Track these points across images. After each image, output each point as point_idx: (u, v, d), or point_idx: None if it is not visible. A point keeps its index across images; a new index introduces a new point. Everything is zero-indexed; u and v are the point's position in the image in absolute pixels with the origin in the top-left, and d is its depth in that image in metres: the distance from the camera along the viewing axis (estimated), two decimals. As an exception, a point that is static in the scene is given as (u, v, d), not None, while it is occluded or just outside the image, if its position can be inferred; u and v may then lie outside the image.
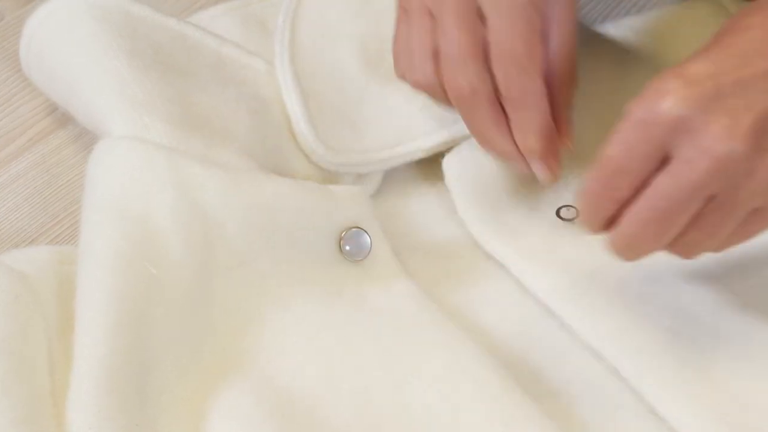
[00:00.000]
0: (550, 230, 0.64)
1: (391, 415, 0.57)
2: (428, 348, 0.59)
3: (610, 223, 0.56)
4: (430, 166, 0.67)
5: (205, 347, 0.58)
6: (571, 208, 0.64)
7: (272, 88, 0.68)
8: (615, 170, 0.54)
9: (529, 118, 0.60)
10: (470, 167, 0.65)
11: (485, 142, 0.62)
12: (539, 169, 0.61)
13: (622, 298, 0.60)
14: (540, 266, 0.61)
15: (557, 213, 0.64)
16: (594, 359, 0.58)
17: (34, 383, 0.56)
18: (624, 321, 0.59)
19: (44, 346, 0.57)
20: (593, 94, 0.67)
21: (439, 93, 0.62)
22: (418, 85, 0.63)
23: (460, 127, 0.65)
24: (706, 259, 0.61)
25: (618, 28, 0.73)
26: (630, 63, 0.71)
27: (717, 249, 0.56)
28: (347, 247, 0.62)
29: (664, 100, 0.51)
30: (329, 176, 0.66)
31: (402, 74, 0.65)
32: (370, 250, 0.62)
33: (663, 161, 0.53)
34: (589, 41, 0.71)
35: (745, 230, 0.55)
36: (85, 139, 0.71)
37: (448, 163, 0.66)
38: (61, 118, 0.73)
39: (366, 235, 0.62)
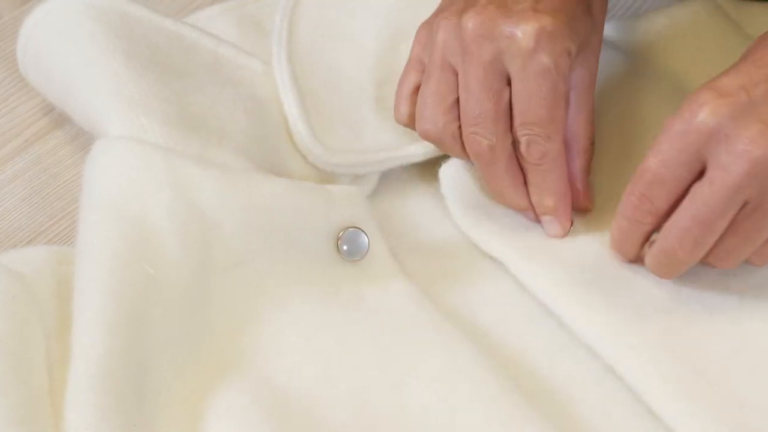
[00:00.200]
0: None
1: (389, 416, 0.57)
2: (426, 348, 0.59)
3: (643, 244, 0.59)
4: (427, 166, 0.67)
5: (202, 347, 0.58)
6: None
7: (269, 88, 0.68)
8: (652, 181, 0.56)
9: (548, 180, 0.62)
10: (465, 177, 0.65)
11: (500, 196, 0.64)
12: (551, 226, 0.63)
13: (619, 297, 0.60)
14: (538, 265, 0.61)
15: None
16: (591, 358, 0.58)
17: (32, 383, 0.56)
18: (621, 320, 0.59)
19: (42, 346, 0.57)
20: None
21: (447, 145, 0.63)
22: (426, 135, 0.64)
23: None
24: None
25: (614, 30, 0.73)
26: (628, 65, 0.71)
27: (756, 259, 0.58)
28: (345, 247, 0.62)
29: (700, 111, 0.54)
30: (326, 176, 0.66)
31: (403, 119, 0.65)
32: (367, 250, 0.62)
33: (699, 174, 0.56)
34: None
35: None
36: (82, 139, 0.71)
37: (444, 173, 0.66)
38: (58, 118, 0.73)
39: (363, 235, 0.62)
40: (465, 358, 0.58)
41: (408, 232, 0.66)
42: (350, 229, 0.62)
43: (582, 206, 0.64)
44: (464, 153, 0.63)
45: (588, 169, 0.64)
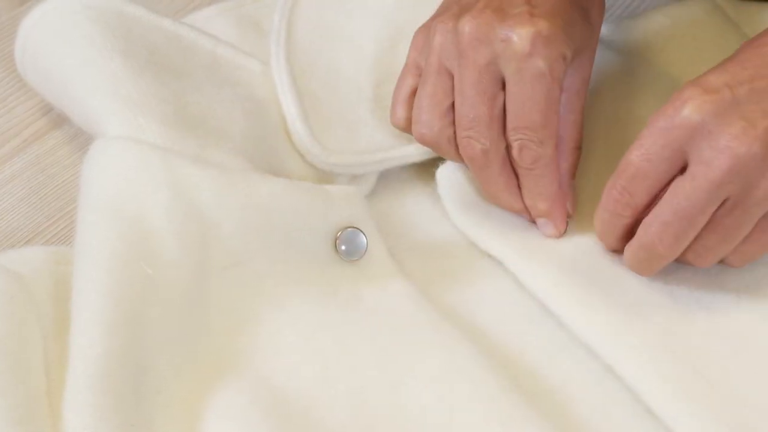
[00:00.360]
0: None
1: (387, 416, 0.57)
2: (424, 348, 0.59)
3: (625, 237, 0.59)
4: (425, 166, 0.67)
5: (200, 347, 0.58)
6: None
7: (267, 88, 0.68)
8: (634, 175, 0.57)
9: (540, 184, 0.62)
10: (462, 178, 0.65)
11: (494, 199, 0.64)
12: (545, 227, 0.63)
13: (618, 296, 0.60)
14: (537, 264, 0.61)
15: None
16: (591, 358, 0.58)
17: (30, 384, 0.56)
18: (620, 319, 0.59)
19: (40, 347, 0.57)
20: (588, 96, 0.67)
21: (443, 149, 0.64)
22: (422, 139, 0.64)
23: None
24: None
25: (612, 30, 0.73)
26: (625, 64, 0.71)
27: (736, 259, 0.59)
28: (343, 247, 0.62)
29: (684, 107, 0.55)
30: (324, 176, 0.66)
31: (400, 123, 0.66)
32: (365, 250, 0.62)
33: (680, 170, 0.56)
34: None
35: (761, 238, 0.58)
36: (81, 139, 0.71)
37: (441, 174, 0.66)
38: (56, 118, 0.73)
39: (362, 235, 0.62)
40: (464, 358, 0.58)
41: (406, 231, 0.66)
42: (348, 229, 0.62)
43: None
44: (460, 157, 0.63)
45: (573, 173, 0.64)
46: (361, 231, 0.62)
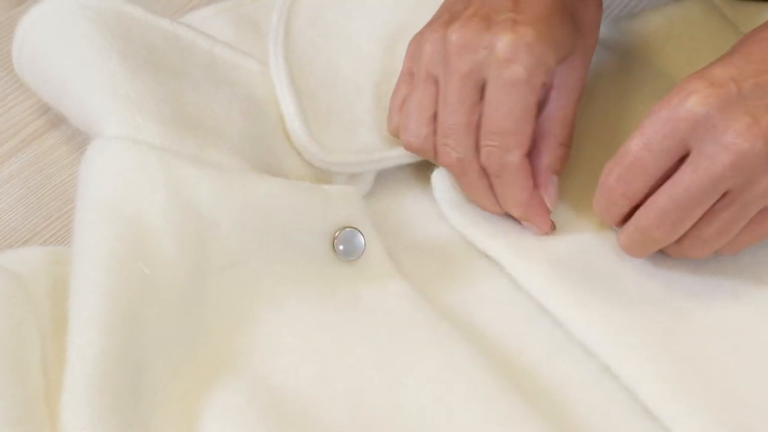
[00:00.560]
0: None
1: (385, 416, 0.57)
2: (422, 348, 0.59)
3: (623, 220, 0.59)
4: (423, 166, 0.67)
5: (198, 347, 0.58)
6: None
7: (265, 88, 0.67)
8: (632, 164, 0.57)
9: (509, 192, 0.62)
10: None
11: (476, 204, 0.64)
12: (530, 228, 0.63)
13: (615, 296, 0.60)
14: (533, 264, 0.61)
15: None
16: (590, 358, 0.58)
17: (28, 384, 0.56)
18: (617, 319, 0.59)
19: (38, 347, 0.57)
20: (586, 96, 0.67)
21: (430, 156, 0.64)
22: (410, 147, 0.64)
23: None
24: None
25: (609, 30, 0.73)
26: (623, 64, 0.71)
27: (729, 249, 0.59)
28: (341, 247, 0.62)
29: (688, 99, 0.55)
30: (322, 176, 0.66)
31: (395, 131, 0.66)
32: (363, 250, 0.62)
33: (678, 161, 0.56)
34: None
35: (755, 230, 0.58)
36: (79, 139, 0.71)
37: (436, 177, 0.66)
38: (54, 118, 0.73)
39: (360, 234, 0.62)
40: (462, 358, 0.58)
41: (404, 231, 0.66)
42: (346, 229, 0.62)
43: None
44: None
45: (556, 168, 0.63)
46: (359, 231, 0.62)
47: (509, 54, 0.59)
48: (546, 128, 0.63)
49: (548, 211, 0.63)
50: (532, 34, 0.59)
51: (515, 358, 0.59)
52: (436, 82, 0.63)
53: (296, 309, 0.60)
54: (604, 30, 0.72)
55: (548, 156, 0.63)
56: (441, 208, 0.65)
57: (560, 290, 0.60)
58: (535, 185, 0.62)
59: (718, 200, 0.56)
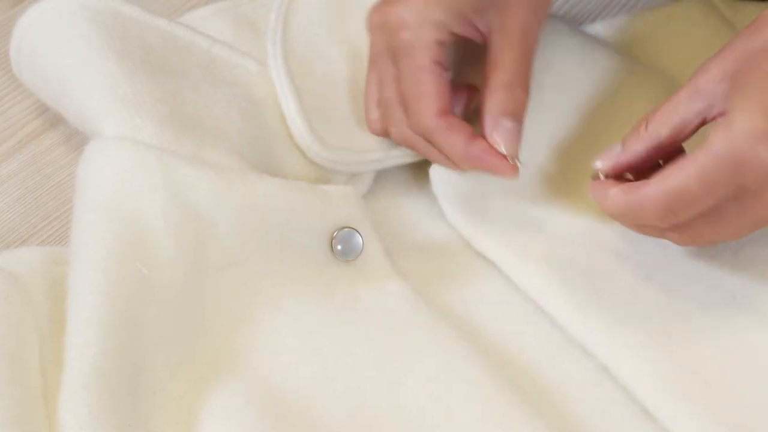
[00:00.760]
0: (539, 230, 0.64)
1: (385, 416, 0.57)
2: (421, 348, 0.59)
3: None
4: (421, 166, 0.67)
5: (197, 347, 0.58)
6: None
7: (264, 88, 0.67)
8: (686, 201, 0.55)
9: (447, 151, 0.62)
10: (456, 175, 0.65)
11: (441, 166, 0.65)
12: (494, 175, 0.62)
13: (614, 296, 0.60)
14: (531, 264, 0.61)
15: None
16: (589, 358, 0.58)
17: (27, 384, 0.56)
18: (616, 319, 0.59)
19: (36, 347, 0.57)
20: (585, 94, 0.67)
21: (389, 137, 0.65)
22: (375, 133, 0.66)
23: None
24: (699, 256, 0.61)
25: (608, 28, 0.73)
26: (620, 63, 0.71)
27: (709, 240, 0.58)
28: (339, 247, 0.62)
29: (760, 147, 0.53)
30: (321, 176, 0.66)
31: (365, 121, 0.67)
32: (362, 250, 0.62)
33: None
34: (580, 44, 0.71)
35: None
36: (77, 139, 0.71)
37: (434, 172, 0.66)
38: (52, 118, 0.73)
39: (358, 235, 0.62)
40: (461, 358, 0.58)
41: (403, 231, 0.66)
42: (345, 229, 0.62)
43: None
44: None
45: (504, 110, 0.61)
46: (358, 231, 0.62)
47: (397, 23, 0.61)
48: (487, 73, 0.62)
49: (500, 156, 0.61)
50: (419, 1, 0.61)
51: (514, 358, 0.59)
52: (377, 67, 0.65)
53: (295, 309, 0.60)
54: (602, 28, 0.72)
55: (490, 100, 0.61)
56: (440, 202, 0.65)
57: (559, 291, 0.60)
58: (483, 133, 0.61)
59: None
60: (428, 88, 0.61)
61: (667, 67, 0.71)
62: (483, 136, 0.61)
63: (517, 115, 0.61)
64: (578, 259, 0.62)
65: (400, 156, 0.66)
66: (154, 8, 0.69)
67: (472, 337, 0.59)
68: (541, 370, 0.59)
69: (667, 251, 0.62)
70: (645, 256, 0.62)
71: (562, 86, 0.69)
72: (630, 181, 0.59)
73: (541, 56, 0.69)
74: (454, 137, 0.61)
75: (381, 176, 0.68)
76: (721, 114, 0.55)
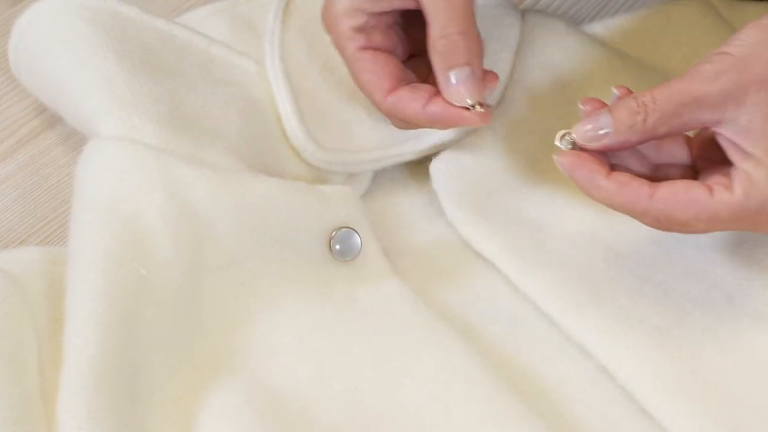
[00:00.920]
0: (538, 229, 0.64)
1: (383, 416, 0.57)
2: (420, 348, 0.59)
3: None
4: (419, 166, 0.67)
5: (195, 347, 0.58)
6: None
7: (262, 88, 0.67)
8: (686, 228, 0.56)
9: (410, 120, 0.62)
10: (456, 171, 0.65)
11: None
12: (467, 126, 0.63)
13: (611, 296, 0.60)
14: (529, 264, 0.61)
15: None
16: (587, 358, 0.58)
17: (25, 384, 0.56)
18: (615, 320, 0.59)
19: (34, 347, 0.57)
20: (582, 93, 0.67)
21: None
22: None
23: (449, 132, 0.65)
24: (698, 256, 0.61)
25: (606, 28, 0.73)
26: (619, 62, 0.71)
27: None
28: (337, 247, 0.62)
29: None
30: (319, 176, 0.66)
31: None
32: (360, 250, 0.62)
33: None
34: (578, 43, 0.71)
35: None
36: (75, 139, 0.71)
37: (435, 168, 0.66)
38: (50, 118, 0.73)
39: (356, 235, 0.62)
40: (459, 358, 0.58)
41: (401, 231, 0.66)
42: (343, 229, 0.62)
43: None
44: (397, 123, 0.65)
45: (446, 64, 0.60)
46: (356, 231, 0.62)
47: (325, 23, 0.64)
48: (429, 45, 0.62)
49: (458, 109, 0.61)
50: None
51: (513, 358, 0.59)
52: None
53: (293, 309, 0.60)
54: (601, 28, 0.72)
55: (433, 57, 0.61)
56: (440, 199, 0.65)
57: (557, 291, 0.60)
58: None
59: None
60: (366, 77, 0.62)
61: (665, 67, 0.71)
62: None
63: (463, 61, 0.60)
64: (577, 259, 0.62)
65: (398, 155, 0.66)
66: (152, 8, 0.69)
67: (471, 337, 0.59)
68: (539, 369, 0.59)
69: (666, 251, 0.62)
70: (644, 256, 0.62)
71: (560, 85, 0.69)
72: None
73: (541, 56, 0.69)
74: (410, 107, 0.62)
75: (378, 176, 0.68)
76: (729, 138, 0.56)
